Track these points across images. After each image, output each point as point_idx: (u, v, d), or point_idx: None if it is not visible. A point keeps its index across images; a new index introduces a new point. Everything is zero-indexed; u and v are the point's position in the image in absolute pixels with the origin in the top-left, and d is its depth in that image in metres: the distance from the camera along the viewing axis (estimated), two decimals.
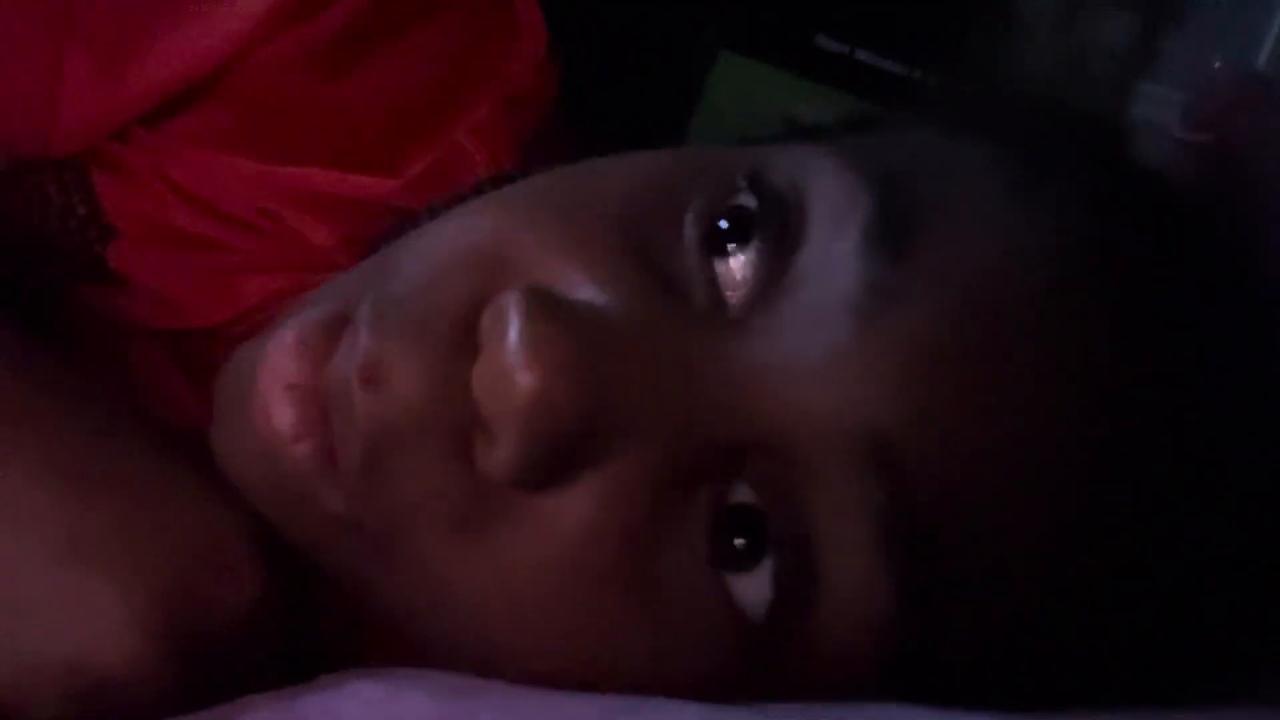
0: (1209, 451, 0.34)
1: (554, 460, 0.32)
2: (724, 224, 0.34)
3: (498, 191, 0.38)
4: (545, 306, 0.32)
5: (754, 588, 0.32)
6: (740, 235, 0.34)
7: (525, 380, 0.31)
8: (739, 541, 0.32)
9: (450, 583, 0.33)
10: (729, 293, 0.34)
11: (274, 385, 0.34)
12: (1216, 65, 0.42)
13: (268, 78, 0.45)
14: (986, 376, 0.32)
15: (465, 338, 0.33)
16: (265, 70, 0.45)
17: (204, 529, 0.34)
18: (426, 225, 0.38)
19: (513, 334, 0.31)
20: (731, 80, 0.62)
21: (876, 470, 0.31)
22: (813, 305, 0.32)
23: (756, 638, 0.32)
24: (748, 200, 0.34)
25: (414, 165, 0.46)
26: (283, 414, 0.34)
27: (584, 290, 0.33)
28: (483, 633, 0.33)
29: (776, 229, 0.33)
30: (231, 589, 0.33)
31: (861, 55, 0.62)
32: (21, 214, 0.46)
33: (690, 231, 0.34)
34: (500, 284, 0.33)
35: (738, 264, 0.34)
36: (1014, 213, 0.34)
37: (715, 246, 0.34)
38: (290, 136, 0.46)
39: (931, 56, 0.61)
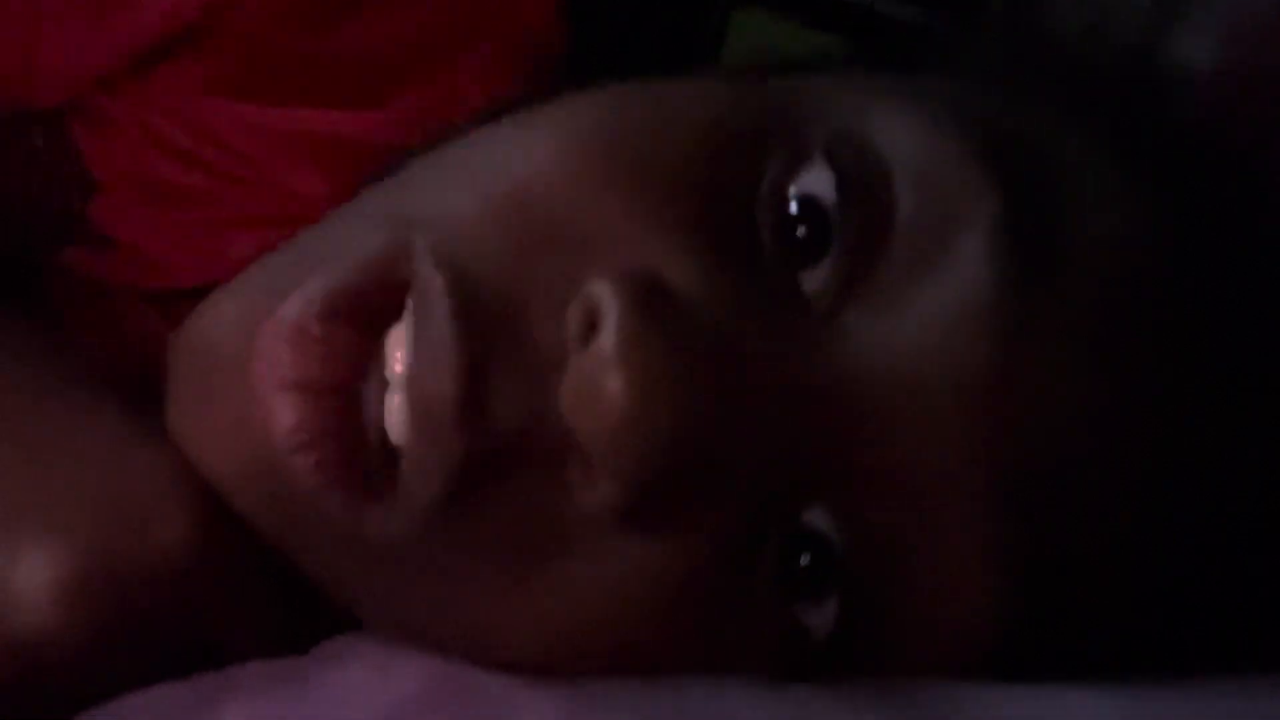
0: None
1: (664, 495, 0.28)
2: (794, 208, 0.30)
3: (552, 110, 0.34)
4: (646, 308, 0.28)
5: (820, 616, 0.30)
6: (817, 218, 0.30)
7: (630, 405, 0.27)
8: (804, 558, 0.29)
9: (497, 617, 0.30)
10: (810, 281, 0.30)
11: (270, 384, 0.30)
12: None
13: (256, 26, 0.43)
14: (1127, 405, 0.30)
15: (558, 335, 0.29)
16: (254, 19, 0.43)
17: (123, 483, 0.32)
18: (451, 158, 0.34)
19: (612, 344, 0.27)
20: (750, 35, 0.61)
21: (1005, 509, 0.29)
22: (931, 314, 0.29)
23: (826, 658, 0.30)
24: (822, 176, 0.30)
25: (407, 103, 0.45)
26: (286, 421, 0.29)
27: (678, 275, 0.29)
28: (521, 664, 0.30)
29: (862, 215, 0.30)
30: (154, 542, 0.31)
31: (881, 6, 0.61)
32: (9, 172, 0.45)
33: (765, 209, 0.31)
34: (587, 262, 0.29)
35: (817, 251, 0.30)
36: (1144, 214, 0.32)
37: (790, 229, 0.31)
38: (280, 83, 0.44)
39: (952, 5, 0.59)
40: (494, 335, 0.29)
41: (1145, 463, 0.30)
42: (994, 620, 0.29)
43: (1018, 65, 0.38)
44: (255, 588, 0.34)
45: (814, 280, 0.30)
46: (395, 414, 0.30)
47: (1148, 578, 0.30)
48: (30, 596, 0.30)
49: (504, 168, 0.32)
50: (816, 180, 0.31)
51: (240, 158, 0.44)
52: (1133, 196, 0.32)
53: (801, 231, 0.30)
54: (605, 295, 0.28)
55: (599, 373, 0.27)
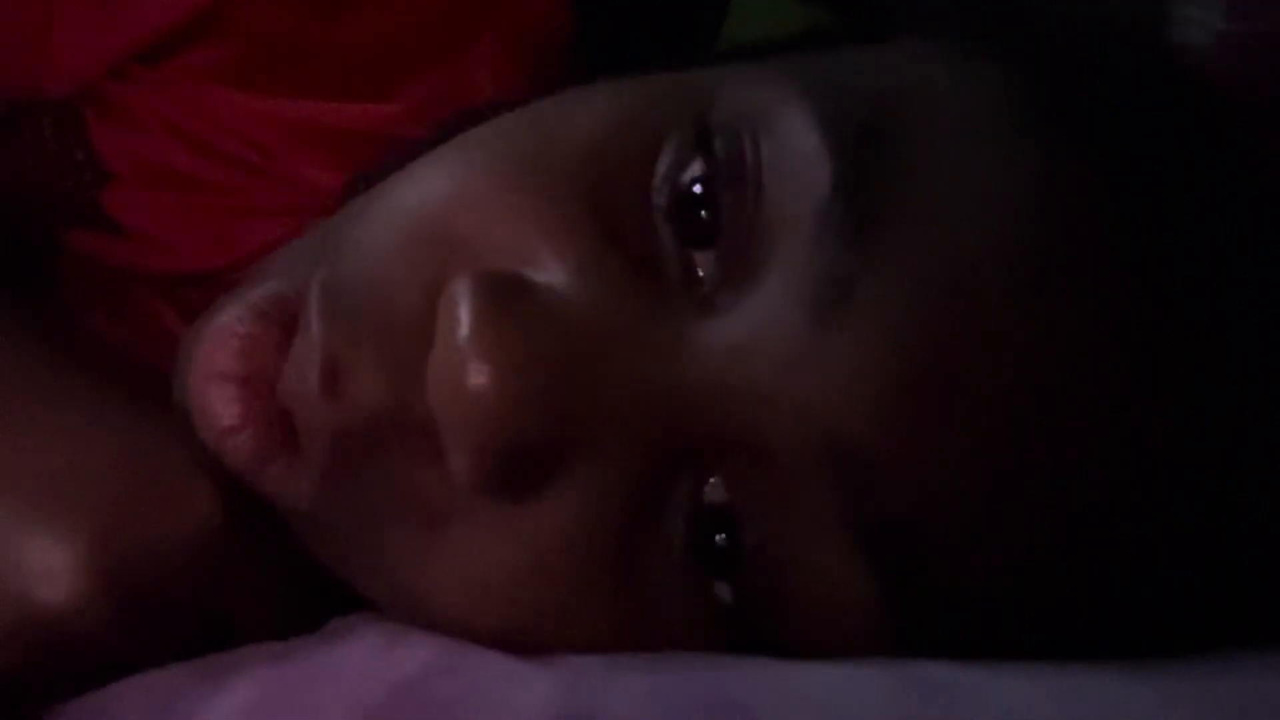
0: (1220, 455, 0.31)
1: (516, 471, 0.30)
2: (698, 188, 0.31)
3: (459, 139, 0.36)
4: (498, 298, 0.29)
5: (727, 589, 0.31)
6: (711, 198, 0.31)
7: (475, 387, 0.29)
8: (720, 537, 0.30)
9: (421, 580, 0.32)
10: (702, 263, 0.31)
11: (207, 377, 0.32)
12: None
13: (264, 16, 0.44)
14: (953, 374, 0.29)
15: (425, 329, 0.30)
16: (261, 8, 0.44)
17: (142, 462, 0.33)
18: (380, 186, 0.36)
19: (462, 332, 0.29)
20: (751, 13, 0.60)
21: (840, 473, 0.29)
22: (771, 294, 0.30)
23: (739, 629, 0.31)
24: (708, 162, 0.31)
25: (417, 94, 0.45)
26: (219, 406, 0.32)
27: (545, 271, 0.31)
28: (456, 628, 0.32)
29: (740, 193, 0.31)
30: (174, 520, 0.32)
31: None
32: (18, 161, 0.45)
33: (658, 194, 0.32)
34: (455, 264, 0.31)
35: (709, 231, 0.31)
36: (1006, 171, 0.31)
37: (686, 211, 0.31)
38: (291, 72, 0.44)
39: None
40: (362, 331, 0.31)
41: (996, 431, 0.29)
42: (863, 596, 0.30)
43: (989, 33, 0.37)
44: (270, 567, 0.34)
45: (706, 264, 0.31)
46: None
47: (1024, 553, 0.30)
48: (53, 574, 0.31)
49: (402, 186, 0.34)
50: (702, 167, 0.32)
51: (254, 148, 0.45)
52: (1017, 170, 0.31)
53: (702, 216, 0.31)
54: (461, 290, 0.30)
55: (446, 358, 0.29)
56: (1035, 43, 0.36)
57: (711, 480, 0.31)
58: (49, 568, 0.31)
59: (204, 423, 0.32)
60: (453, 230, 0.32)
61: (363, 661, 0.31)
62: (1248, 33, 0.42)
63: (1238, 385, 0.31)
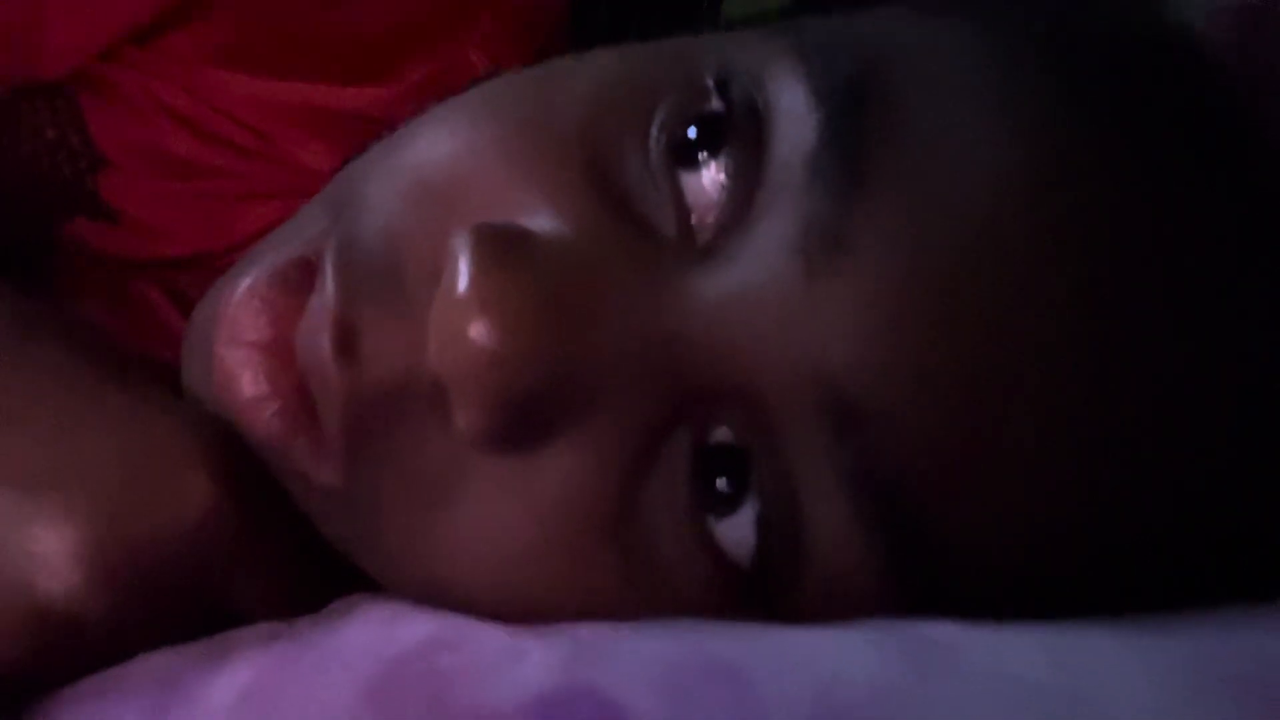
0: (1230, 415, 0.31)
1: (524, 422, 0.30)
2: (693, 132, 0.32)
3: (459, 99, 0.36)
4: (498, 251, 0.30)
5: (739, 533, 0.30)
6: (711, 146, 0.31)
7: (478, 338, 0.29)
8: (721, 482, 0.31)
9: (430, 554, 0.32)
10: (698, 214, 0.31)
11: (232, 345, 0.32)
12: None
13: None
14: (949, 325, 0.29)
15: (433, 287, 0.30)
16: None
17: (142, 449, 0.32)
18: (387, 141, 0.36)
19: (461, 285, 0.29)
20: None
21: (837, 425, 0.29)
22: (766, 244, 0.30)
23: (745, 584, 0.31)
24: (717, 106, 0.32)
25: (412, 77, 0.45)
26: (244, 377, 0.32)
27: (543, 224, 0.31)
28: (469, 595, 0.32)
29: (745, 139, 0.31)
30: (176, 506, 0.32)
31: None
32: (15, 149, 0.45)
33: (656, 145, 0.32)
34: (459, 220, 0.31)
35: (709, 178, 0.31)
36: (998, 122, 0.31)
37: (684, 159, 0.32)
38: (285, 54, 0.45)
39: None
40: (375, 293, 0.31)
41: (994, 385, 0.29)
42: (866, 551, 0.30)
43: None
44: (274, 549, 0.34)
45: (700, 215, 0.31)
46: None
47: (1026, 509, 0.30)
48: (55, 563, 0.31)
49: (408, 144, 0.34)
50: (713, 106, 0.32)
51: (249, 130, 0.45)
52: (1009, 120, 0.31)
53: (703, 157, 0.31)
54: (461, 244, 0.30)
55: (447, 311, 0.29)
56: (1021, 6, 0.35)
57: (717, 430, 0.31)
58: (50, 557, 0.31)
59: (227, 392, 0.32)
60: (457, 186, 0.32)
61: (363, 638, 0.31)
62: (1242, 3, 0.42)
63: (1252, 348, 0.31)
